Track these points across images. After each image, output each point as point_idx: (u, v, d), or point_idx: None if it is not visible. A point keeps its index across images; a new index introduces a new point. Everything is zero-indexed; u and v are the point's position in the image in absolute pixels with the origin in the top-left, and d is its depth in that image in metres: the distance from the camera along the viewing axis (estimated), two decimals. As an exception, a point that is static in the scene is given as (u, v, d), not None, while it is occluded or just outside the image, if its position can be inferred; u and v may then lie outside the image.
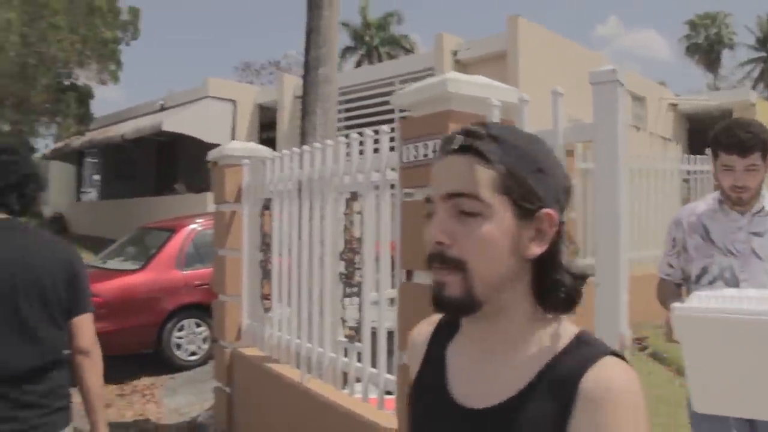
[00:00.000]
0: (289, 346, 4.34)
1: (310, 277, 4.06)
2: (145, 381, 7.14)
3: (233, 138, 16.51)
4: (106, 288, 7.15)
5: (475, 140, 1.02)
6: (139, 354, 7.54)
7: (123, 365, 7.54)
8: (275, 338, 4.53)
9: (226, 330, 5.11)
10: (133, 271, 7.53)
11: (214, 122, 16.19)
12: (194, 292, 7.49)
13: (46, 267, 2.39)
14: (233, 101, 16.85)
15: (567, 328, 1.07)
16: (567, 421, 0.96)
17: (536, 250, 1.02)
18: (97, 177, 23.39)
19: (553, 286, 1.04)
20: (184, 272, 7.56)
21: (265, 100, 17.10)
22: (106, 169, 22.44)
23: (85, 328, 2.50)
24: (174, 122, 15.80)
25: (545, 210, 1.02)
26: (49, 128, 17.69)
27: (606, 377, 0.97)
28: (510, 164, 1.01)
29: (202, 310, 7.43)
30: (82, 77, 17.38)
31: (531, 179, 1.01)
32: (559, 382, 0.99)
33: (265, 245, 4.66)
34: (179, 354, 7.50)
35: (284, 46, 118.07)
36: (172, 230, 7.95)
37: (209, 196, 15.52)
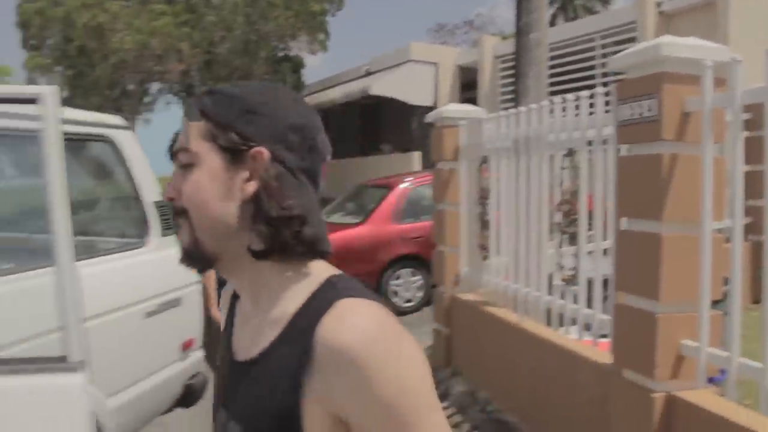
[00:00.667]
0: (506, 290, 4.77)
1: (528, 227, 4.44)
2: (367, 323, 7.93)
3: (435, 99, 17.10)
4: (330, 239, 7.99)
5: (192, 102, 1.06)
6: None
7: (347, 309, 8.42)
8: (493, 284, 4.98)
9: (446, 277, 5.64)
10: (355, 225, 8.35)
11: (417, 85, 16.87)
12: (410, 244, 8.16)
13: None
14: (435, 64, 17.39)
15: (320, 272, 1.04)
16: (307, 372, 0.94)
17: (248, 191, 1.01)
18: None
19: (261, 227, 1.01)
20: (401, 226, 8.25)
21: (466, 61, 17.45)
22: (315, 133, 23.98)
23: None
24: (380, 86, 16.70)
25: (255, 148, 1.00)
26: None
27: (340, 326, 0.93)
28: (214, 112, 1.02)
29: (417, 260, 8.11)
30: (295, 48, 18.87)
31: (237, 122, 1.01)
32: (299, 332, 0.97)
33: (483, 199, 5.09)
34: (396, 301, 8.22)
35: (476, 4, 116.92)
36: (388, 187, 8.66)
37: (415, 156, 16.28)
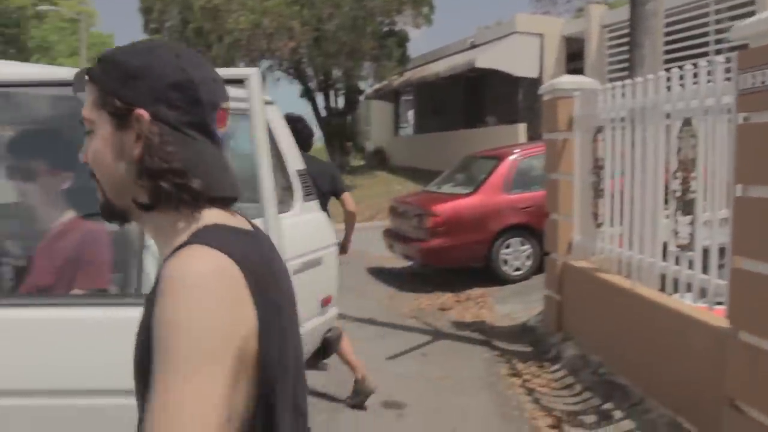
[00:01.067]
0: (620, 257, 4.90)
1: (643, 195, 4.54)
2: (477, 291, 8.18)
3: (540, 71, 16.97)
4: (443, 209, 8.34)
5: (83, 71, 1.13)
6: (470, 268, 8.65)
7: (458, 277, 8.71)
8: (606, 251, 5.11)
9: (558, 245, 5.80)
10: (466, 195, 8.59)
11: (522, 56, 16.79)
12: (519, 213, 8.32)
13: (322, 175, 4.75)
14: (540, 35, 17.23)
15: (208, 220, 1.09)
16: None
17: (136, 152, 1.07)
18: (411, 113, 25.38)
19: (144, 181, 1.07)
20: (510, 196, 8.42)
21: (571, 31, 17.19)
22: (419, 106, 24.22)
23: (348, 199, 5.07)
24: (486, 59, 16.72)
25: (135, 111, 1.06)
26: (370, 71, 19.69)
27: (175, 264, 0.98)
28: (101, 80, 1.09)
29: (526, 230, 8.29)
30: (400, 23, 19.07)
31: (120, 88, 1.07)
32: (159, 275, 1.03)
33: (597, 168, 5.21)
34: (505, 269, 8.42)
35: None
36: (497, 158, 8.82)
37: (521, 128, 16.27)
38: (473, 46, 18.69)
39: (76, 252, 2.77)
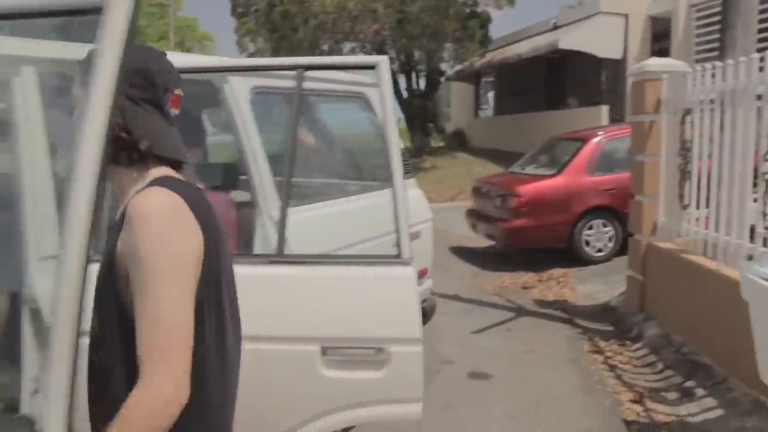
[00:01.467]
0: (706, 239, 4.96)
1: (731, 177, 4.59)
2: (558, 271, 8.30)
3: (624, 52, 16.71)
4: (526, 190, 8.47)
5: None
6: (552, 248, 8.78)
7: (540, 257, 8.84)
8: (692, 232, 5.18)
9: (643, 226, 5.87)
10: (550, 176, 8.69)
11: (606, 37, 16.55)
12: (603, 195, 8.38)
13: None
14: (625, 15, 16.93)
15: (159, 174, 1.40)
16: (120, 230, 1.30)
17: None
18: (491, 95, 25.31)
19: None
20: (594, 178, 8.48)
21: (657, 11, 16.81)
22: (500, 87, 24.12)
23: None
24: (569, 40, 16.56)
25: None
26: (452, 53, 19.74)
27: (138, 201, 1.27)
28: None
29: (609, 212, 8.34)
30: (482, 4, 19.06)
31: None
32: (123, 213, 1.34)
33: (684, 150, 5.26)
34: (587, 250, 8.50)
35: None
36: (581, 140, 8.87)
37: (603, 110, 16.09)
38: (556, 27, 18.50)
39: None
